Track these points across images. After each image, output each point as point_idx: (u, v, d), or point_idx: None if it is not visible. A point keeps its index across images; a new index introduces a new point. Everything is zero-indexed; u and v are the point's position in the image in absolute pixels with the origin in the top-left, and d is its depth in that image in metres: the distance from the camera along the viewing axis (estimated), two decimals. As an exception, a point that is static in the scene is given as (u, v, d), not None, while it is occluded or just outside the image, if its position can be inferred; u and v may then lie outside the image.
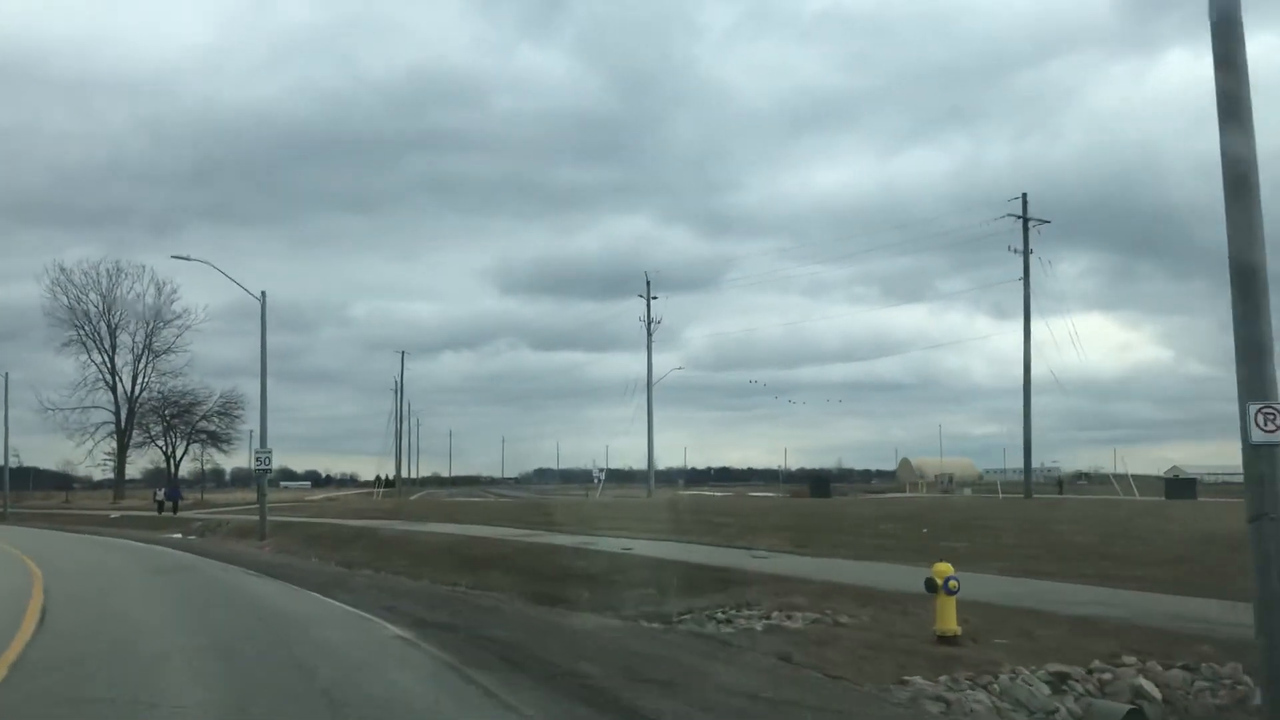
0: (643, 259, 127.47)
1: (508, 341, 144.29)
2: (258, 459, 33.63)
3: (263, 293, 33.99)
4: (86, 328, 79.84)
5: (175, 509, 51.96)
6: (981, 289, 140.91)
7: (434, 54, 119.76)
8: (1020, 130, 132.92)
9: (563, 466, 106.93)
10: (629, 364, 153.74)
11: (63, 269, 79.49)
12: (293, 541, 31.44)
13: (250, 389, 77.16)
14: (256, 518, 37.55)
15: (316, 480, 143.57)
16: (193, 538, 38.48)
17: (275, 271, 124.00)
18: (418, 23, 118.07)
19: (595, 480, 76.68)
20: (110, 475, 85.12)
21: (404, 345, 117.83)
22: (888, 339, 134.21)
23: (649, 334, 63.77)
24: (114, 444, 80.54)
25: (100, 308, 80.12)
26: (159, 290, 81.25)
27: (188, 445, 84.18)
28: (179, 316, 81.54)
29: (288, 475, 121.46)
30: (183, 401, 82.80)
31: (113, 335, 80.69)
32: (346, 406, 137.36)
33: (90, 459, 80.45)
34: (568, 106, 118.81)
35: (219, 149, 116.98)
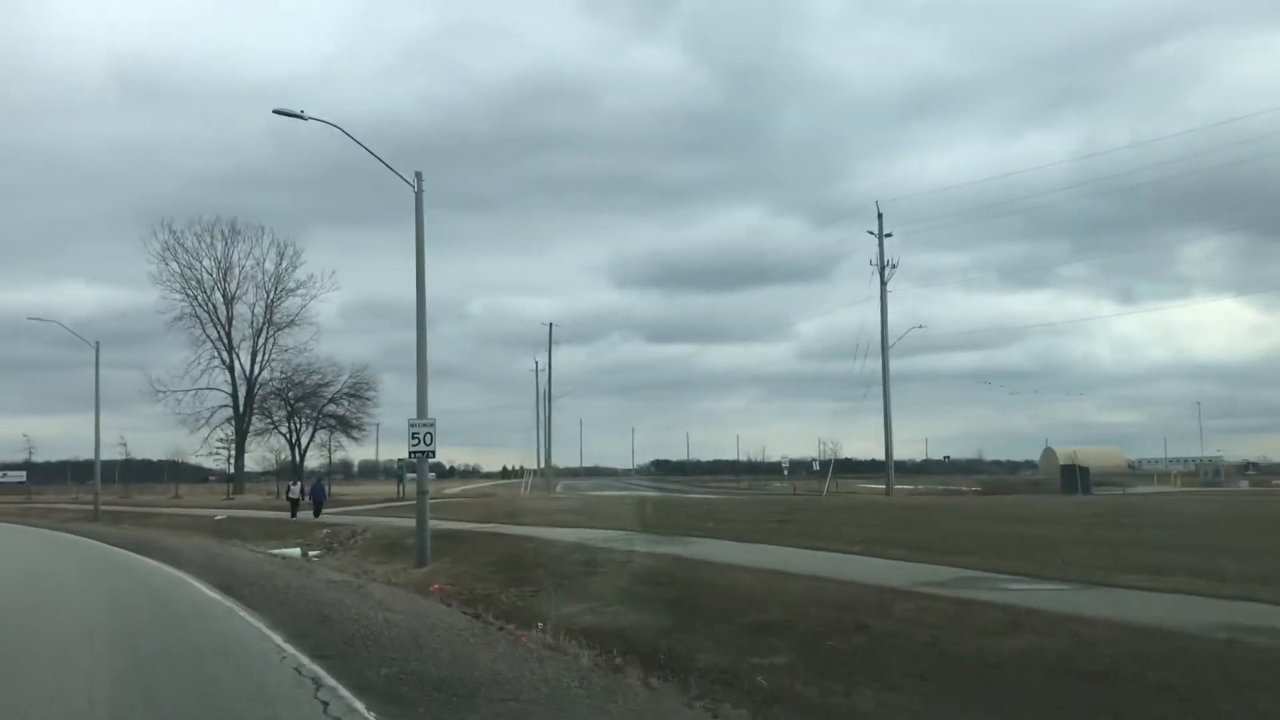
0: (754, 250, 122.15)
1: (622, 334, 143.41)
2: (413, 435, 21.10)
3: (418, 174, 21.52)
4: (199, 297, 70.24)
5: (318, 510, 37.31)
6: (1105, 273, 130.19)
7: (544, 56, 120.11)
8: (1143, 110, 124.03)
9: (690, 457, 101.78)
10: (742, 355, 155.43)
11: (173, 231, 70.02)
12: (479, 570, 18.76)
13: (384, 381, 66.96)
14: (400, 520, 25.66)
15: (441, 472, 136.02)
16: (315, 554, 26.34)
17: (397, 271, 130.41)
18: (528, 26, 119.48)
19: (782, 471, 63.66)
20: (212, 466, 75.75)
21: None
22: (1007, 325, 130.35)
23: (883, 281, 49.53)
24: (232, 431, 70.69)
25: (215, 275, 70.43)
26: (280, 254, 71.08)
27: (314, 431, 73.65)
28: (303, 284, 71.28)
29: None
30: (308, 382, 72.45)
31: (229, 306, 70.87)
32: (465, 400, 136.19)
33: (206, 446, 70.70)
34: (677, 101, 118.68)
35: (342, 154, 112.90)
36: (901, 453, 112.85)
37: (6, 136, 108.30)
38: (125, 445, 75.76)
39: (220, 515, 40.01)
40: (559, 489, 74.84)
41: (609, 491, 71.14)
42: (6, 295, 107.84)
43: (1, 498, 78.92)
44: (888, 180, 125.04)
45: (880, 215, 50.10)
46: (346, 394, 73.20)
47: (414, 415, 21.71)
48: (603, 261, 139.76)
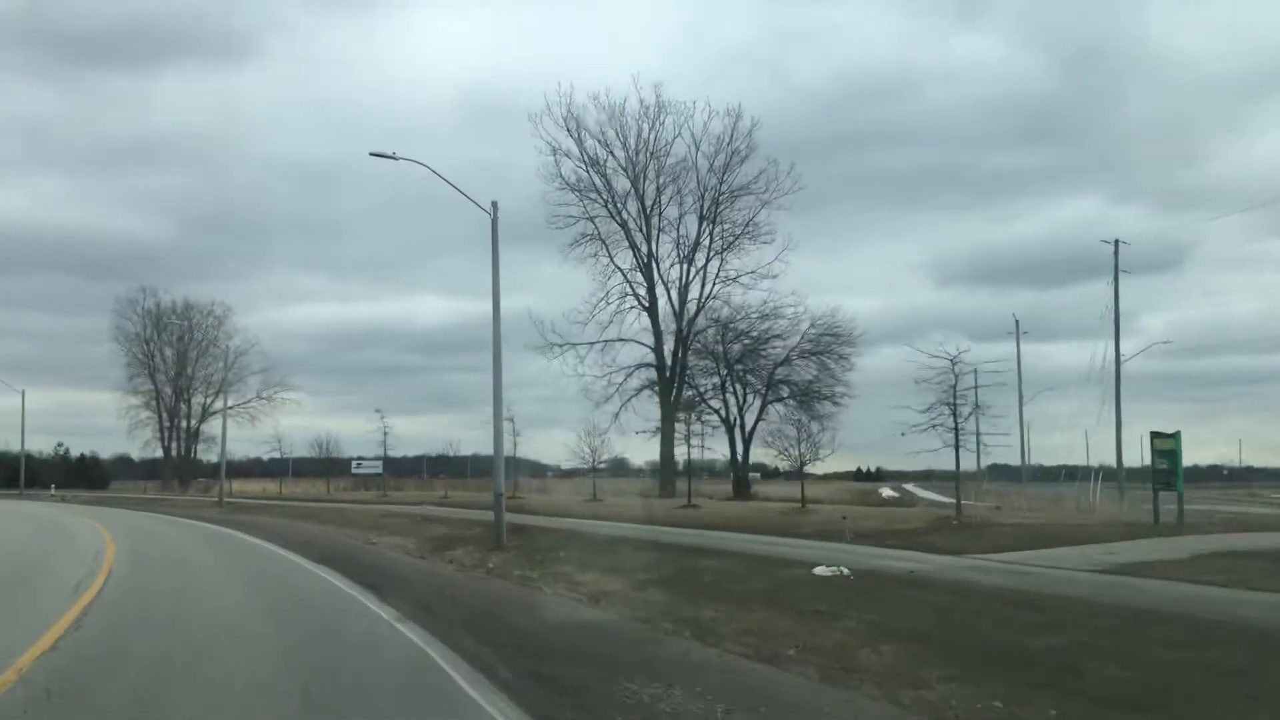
0: (1091, 242, 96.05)
1: (944, 333, 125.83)
2: None
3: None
4: (609, 204, 47.76)
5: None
6: None
7: (863, 53, 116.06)
8: None
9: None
10: (1078, 354, 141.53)
11: (570, 107, 48.02)
12: None
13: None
14: None
15: (765, 472, 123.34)
16: None
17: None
18: (847, 25, 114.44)
19: None
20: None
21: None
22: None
23: None
24: (655, 400, 47.75)
25: (631, 172, 47.65)
26: (731, 127, 47.02)
27: (762, 407, 49.29)
28: (752, 184, 46.96)
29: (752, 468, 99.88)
30: (753, 333, 48.39)
31: (647, 217, 47.82)
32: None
33: (614, 426, 47.94)
34: (1003, 91, 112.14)
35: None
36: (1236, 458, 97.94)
37: (370, 163, 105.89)
38: (513, 423, 53.43)
39: (826, 569, 15.11)
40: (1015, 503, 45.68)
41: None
42: (369, 306, 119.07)
43: (352, 494, 61.74)
44: (1246, 161, 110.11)
45: None
46: (808, 351, 48.40)
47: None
48: (923, 259, 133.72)
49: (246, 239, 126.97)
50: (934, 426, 23.58)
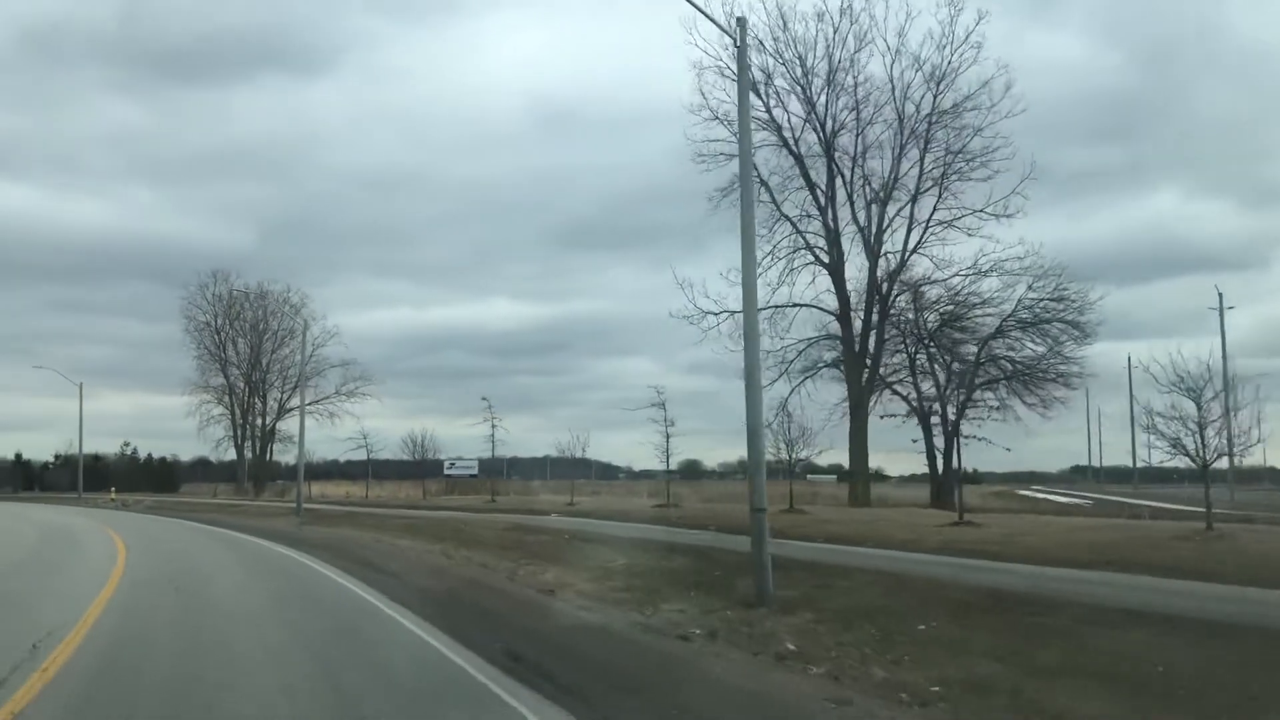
0: (1170, 238, 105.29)
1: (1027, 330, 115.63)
2: None
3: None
4: (786, 127, 37.42)
5: None
6: None
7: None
8: None
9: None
10: (1151, 352, 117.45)
11: (733, 6, 37.90)
12: None
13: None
14: None
15: (841, 473, 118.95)
16: None
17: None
18: (919, 20, 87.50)
19: None
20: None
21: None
22: None
23: None
24: (840, 381, 37.48)
25: (807, 90, 37.40)
26: (951, 26, 36.59)
27: (970, 391, 38.65)
28: (971, 97, 36.37)
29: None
30: (959, 296, 37.95)
31: (828, 146, 37.52)
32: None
33: (789, 427, 37.28)
34: (1080, 87, 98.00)
35: (735, 167, 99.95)
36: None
37: (443, 171, 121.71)
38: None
39: None
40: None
41: None
42: (442, 312, 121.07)
43: (451, 499, 52.69)
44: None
45: None
46: (1026, 321, 37.82)
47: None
48: (999, 255, 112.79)
49: (324, 246, 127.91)
50: None
